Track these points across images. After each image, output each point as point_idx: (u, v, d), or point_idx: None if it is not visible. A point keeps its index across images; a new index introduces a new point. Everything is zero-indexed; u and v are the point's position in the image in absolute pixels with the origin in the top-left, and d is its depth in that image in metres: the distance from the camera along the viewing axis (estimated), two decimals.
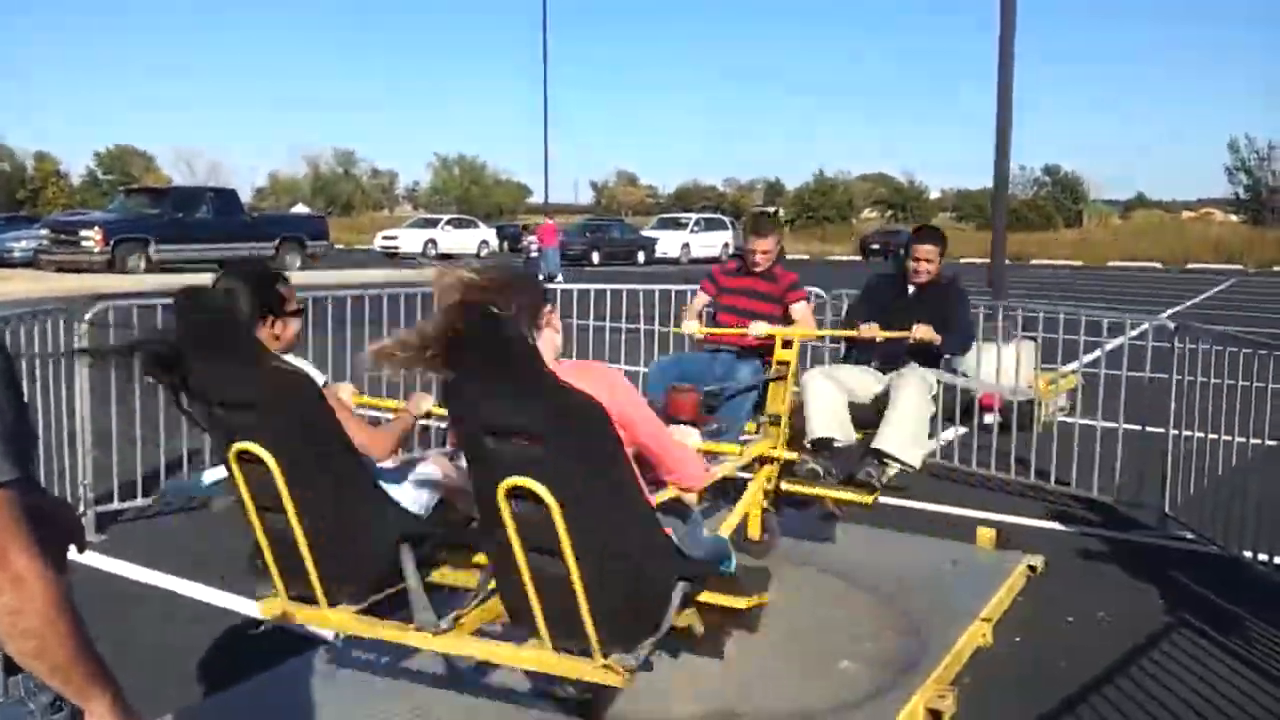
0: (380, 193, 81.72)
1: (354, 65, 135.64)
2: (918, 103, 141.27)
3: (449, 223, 41.17)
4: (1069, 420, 7.37)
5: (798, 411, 4.64)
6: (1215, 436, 5.44)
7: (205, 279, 3.67)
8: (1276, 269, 36.89)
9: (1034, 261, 41.04)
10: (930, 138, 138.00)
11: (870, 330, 4.95)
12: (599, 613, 2.37)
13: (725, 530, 3.76)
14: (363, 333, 6.81)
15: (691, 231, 39.77)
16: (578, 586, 2.33)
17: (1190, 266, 38.81)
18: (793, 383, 4.61)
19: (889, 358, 4.99)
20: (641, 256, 36.31)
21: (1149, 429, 5.93)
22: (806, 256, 45.33)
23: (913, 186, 73.56)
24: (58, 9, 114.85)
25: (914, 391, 4.61)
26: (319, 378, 2.93)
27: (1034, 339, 7.19)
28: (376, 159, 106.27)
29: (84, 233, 23.58)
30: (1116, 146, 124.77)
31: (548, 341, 2.61)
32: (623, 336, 8.43)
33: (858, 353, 5.21)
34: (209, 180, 56.41)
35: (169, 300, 6.17)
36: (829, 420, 4.63)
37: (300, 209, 48.35)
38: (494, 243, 40.49)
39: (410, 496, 3.09)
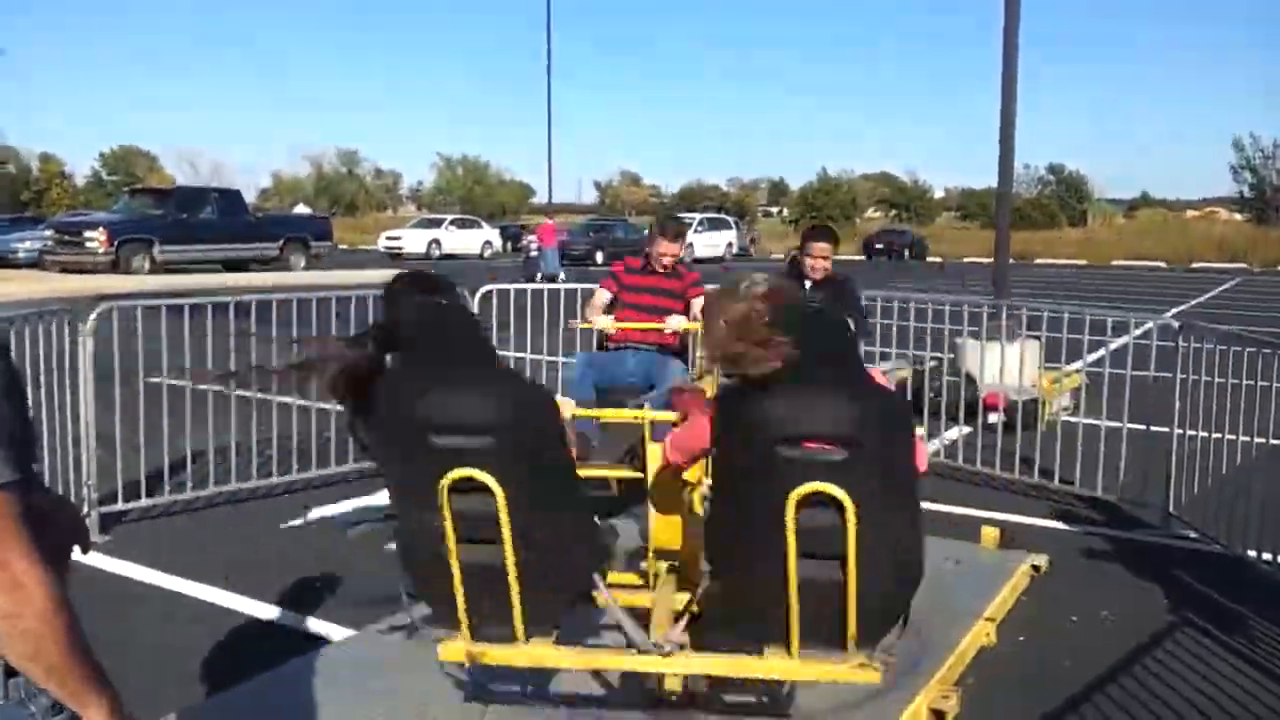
0: (384, 193, 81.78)
1: (358, 65, 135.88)
2: (921, 102, 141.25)
3: (452, 223, 41.21)
4: (1073, 419, 7.37)
5: None
6: (1219, 436, 5.43)
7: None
8: None
9: (1038, 260, 41.00)
10: (934, 137, 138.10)
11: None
12: (861, 612, 2.40)
13: None
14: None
15: (695, 231, 39.72)
16: (852, 589, 2.35)
17: (1195, 265, 38.74)
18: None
19: None
20: None
21: (1153, 428, 5.92)
22: None
23: (916, 185, 73.47)
24: (61, 9, 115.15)
25: None
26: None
27: (1038, 338, 7.19)
28: (380, 159, 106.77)
29: (88, 233, 23.63)
30: (1121, 145, 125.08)
31: None
32: None
33: None
34: (213, 181, 56.41)
35: (173, 301, 6.19)
36: None
37: (302, 209, 48.39)
38: (497, 243, 40.52)
39: None
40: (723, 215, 46.81)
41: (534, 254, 28.04)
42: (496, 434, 2.41)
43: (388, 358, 2.47)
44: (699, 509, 3.22)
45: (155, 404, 5.99)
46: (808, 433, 2.37)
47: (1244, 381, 5.32)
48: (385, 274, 24.62)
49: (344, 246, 39.93)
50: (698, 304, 5.33)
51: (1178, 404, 5.66)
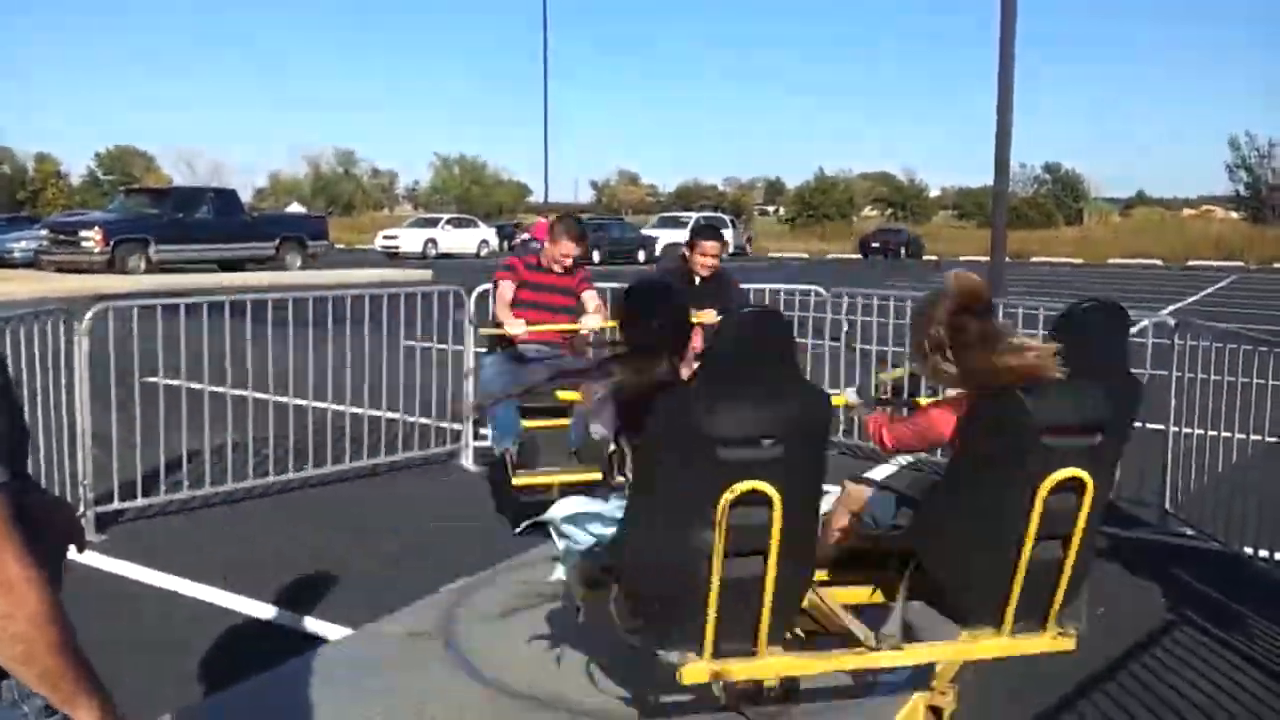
0: (380, 192, 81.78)
1: (354, 65, 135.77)
2: (918, 101, 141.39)
3: (449, 222, 41.19)
4: None
5: None
6: (1216, 433, 5.44)
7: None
8: (1277, 266, 36.88)
9: (1034, 259, 41.05)
10: (931, 136, 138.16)
11: (707, 315, 5.47)
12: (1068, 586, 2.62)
13: None
14: (363, 332, 6.82)
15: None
16: (1069, 566, 2.55)
17: (1191, 263, 38.80)
18: None
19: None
20: (642, 255, 36.32)
21: (1149, 426, 5.91)
22: (806, 255, 45.35)
23: (913, 184, 73.56)
24: (58, 9, 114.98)
25: None
26: None
27: (1034, 336, 7.18)
28: (377, 159, 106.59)
29: (84, 233, 23.57)
30: (1117, 144, 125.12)
31: None
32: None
33: None
34: (209, 180, 56.43)
35: (169, 301, 6.18)
36: None
37: (296, 208, 48.33)
38: (494, 242, 40.51)
39: None
40: (719, 214, 46.79)
41: None
42: (790, 442, 2.40)
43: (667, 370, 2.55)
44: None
45: (151, 404, 5.98)
46: (1074, 422, 2.53)
47: (1240, 379, 5.33)
48: (382, 273, 24.43)
49: (340, 246, 39.92)
50: (591, 297, 5.60)
51: (1174, 401, 5.67)
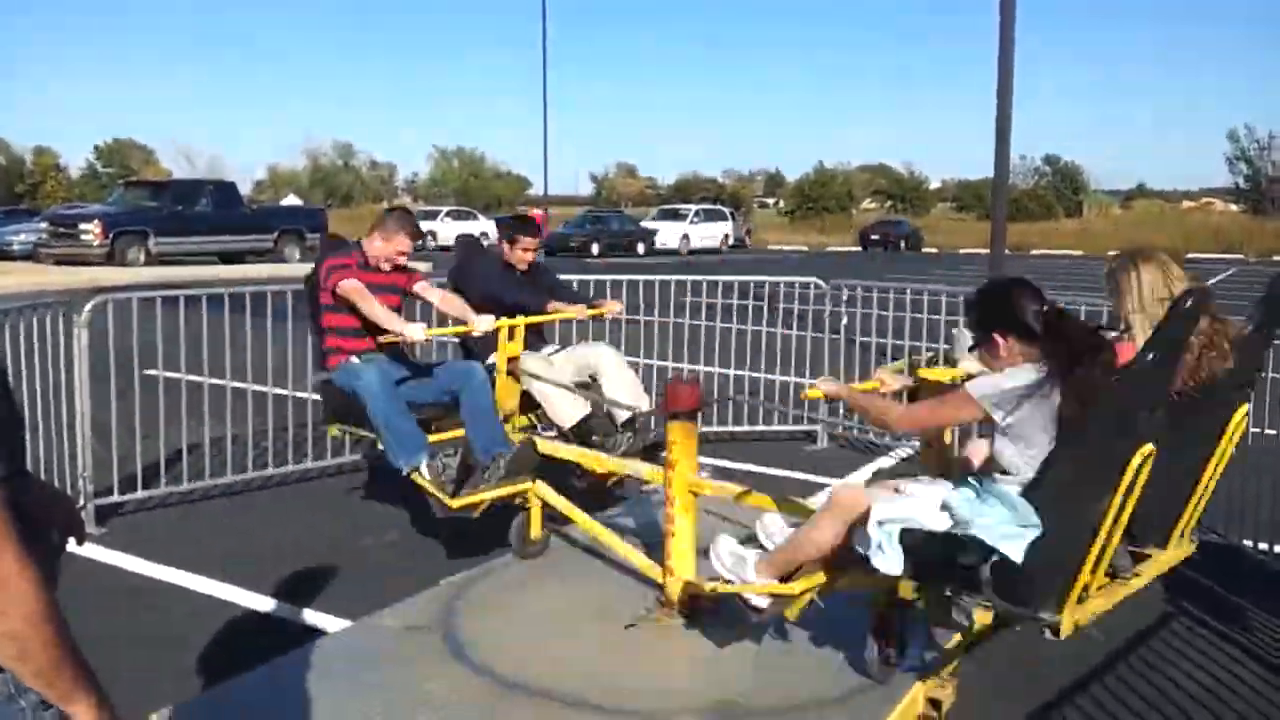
0: (379, 185, 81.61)
1: (354, 58, 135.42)
2: (918, 93, 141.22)
3: (448, 214, 41.13)
4: None
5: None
6: None
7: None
8: (1277, 258, 36.84)
9: (1034, 252, 41.01)
10: (930, 128, 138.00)
11: (611, 306, 5.67)
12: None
13: None
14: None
15: (691, 223, 39.72)
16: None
17: (1190, 256, 38.74)
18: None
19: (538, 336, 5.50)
20: (641, 248, 36.28)
21: None
22: (805, 248, 45.30)
23: (913, 177, 73.46)
24: (57, 3, 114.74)
25: (616, 352, 5.44)
26: None
27: None
28: (375, 151, 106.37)
29: (83, 225, 23.56)
30: (1117, 136, 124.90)
31: None
32: (623, 327, 8.41)
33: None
34: (208, 173, 56.31)
35: (169, 293, 6.17)
36: (579, 404, 5.03)
37: (293, 200, 48.23)
38: (493, 234, 40.43)
39: None
40: (719, 207, 46.74)
41: None
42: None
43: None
44: None
45: (151, 396, 5.98)
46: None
47: None
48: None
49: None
50: (428, 286, 5.10)
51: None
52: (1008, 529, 2.64)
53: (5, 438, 1.25)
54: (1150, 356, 2.65)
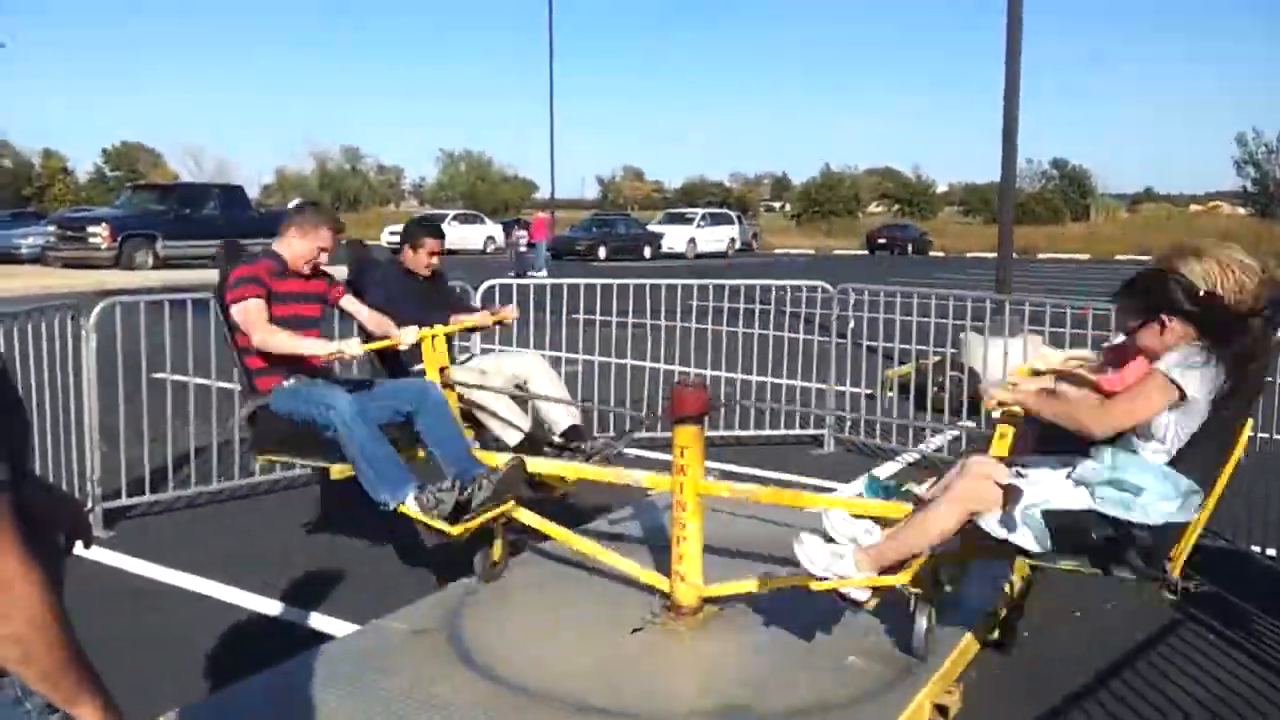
0: (387, 188, 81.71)
1: (360, 62, 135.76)
2: (925, 97, 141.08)
3: (455, 218, 41.19)
4: None
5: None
6: None
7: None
8: None
9: (1041, 255, 40.94)
10: (937, 132, 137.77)
11: (507, 312, 5.26)
12: None
13: None
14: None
15: (698, 226, 39.75)
16: None
17: None
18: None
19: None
20: (648, 251, 36.30)
21: None
22: (812, 251, 45.28)
23: (919, 181, 73.32)
24: (64, 5, 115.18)
25: (543, 359, 5.19)
26: None
27: (1041, 333, 7.18)
28: (383, 155, 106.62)
29: (91, 229, 23.63)
30: (1124, 140, 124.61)
31: None
32: (629, 331, 8.42)
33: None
34: (216, 177, 56.52)
35: (176, 296, 6.18)
36: (524, 418, 4.84)
37: (297, 203, 48.23)
38: (500, 238, 40.55)
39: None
40: (725, 210, 46.75)
41: (523, 249, 28.10)
42: None
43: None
44: None
45: (159, 399, 6.00)
46: None
47: None
48: None
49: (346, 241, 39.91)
50: (357, 305, 4.65)
51: None
52: (1167, 504, 2.96)
53: (8, 439, 1.25)
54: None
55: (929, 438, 7.26)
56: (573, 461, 4.43)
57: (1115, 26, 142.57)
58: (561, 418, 4.93)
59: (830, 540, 3.31)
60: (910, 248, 43.59)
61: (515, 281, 8.46)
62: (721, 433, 7.34)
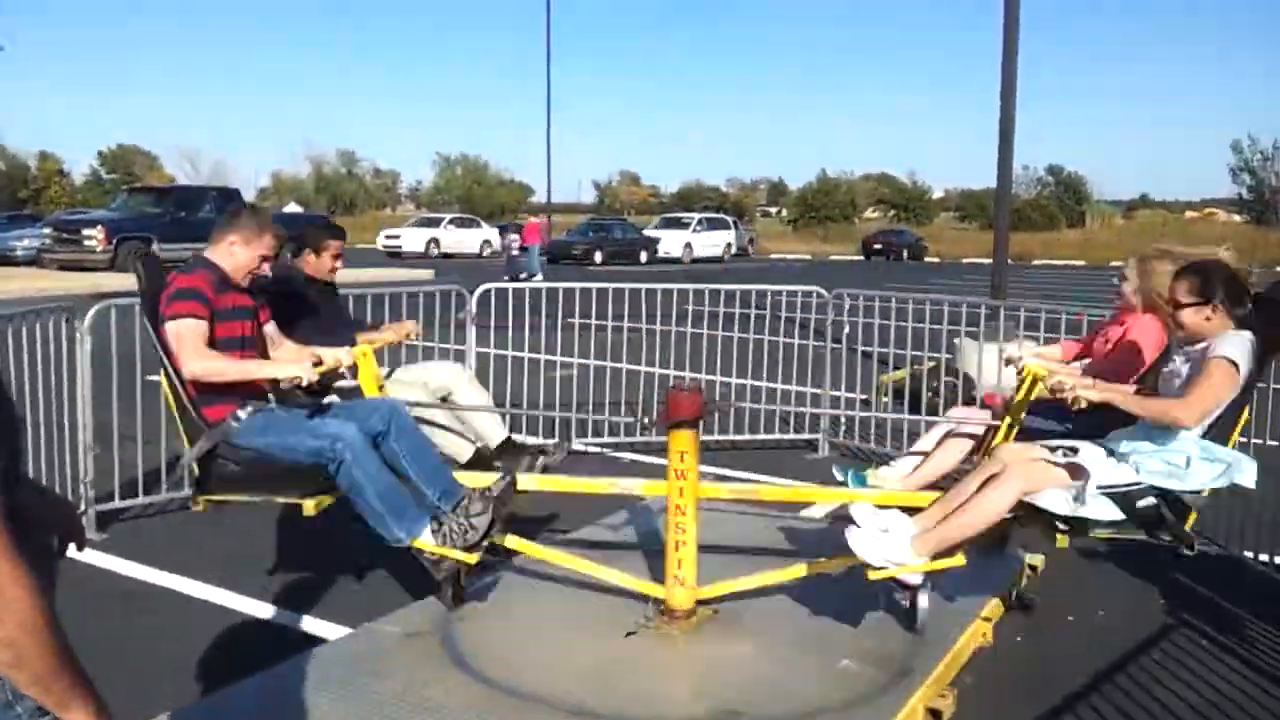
0: (383, 192, 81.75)
1: (357, 65, 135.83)
2: (922, 98, 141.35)
3: (451, 222, 41.26)
4: None
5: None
6: None
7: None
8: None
9: (1037, 261, 41.04)
10: (934, 137, 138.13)
11: (410, 326, 4.83)
12: None
13: None
14: (364, 331, 6.81)
15: (694, 231, 39.80)
16: None
17: None
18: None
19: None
20: (644, 256, 36.34)
21: None
22: (808, 257, 45.34)
23: (916, 186, 73.51)
24: (60, 8, 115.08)
25: (465, 369, 4.98)
26: None
27: (1035, 338, 7.18)
28: (379, 158, 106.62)
29: (87, 231, 23.60)
30: (1120, 146, 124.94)
31: None
32: (625, 335, 8.42)
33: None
34: (212, 179, 56.49)
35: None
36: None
37: (294, 208, 48.32)
38: (496, 242, 40.58)
39: None
40: (722, 215, 46.80)
41: (515, 253, 28.15)
42: None
43: None
44: None
45: (153, 402, 5.97)
46: None
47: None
48: (384, 273, 24.40)
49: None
50: (278, 335, 4.14)
51: None
52: (1210, 472, 3.37)
53: (1, 441, 1.25)
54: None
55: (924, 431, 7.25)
56: (568, 478, 4.28)
57: (1111, 33, 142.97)
58: (494, 430, 4.69)
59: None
60: (906, 253, 43.66)
61: (511, 285, 8.45)
62: (716, 437, 7.35)
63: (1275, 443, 5.32)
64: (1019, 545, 4.97)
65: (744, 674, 3.43)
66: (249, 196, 39.59)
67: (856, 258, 43.79)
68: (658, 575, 3.86)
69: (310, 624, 4.26)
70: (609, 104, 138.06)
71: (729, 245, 40.75)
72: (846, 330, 7.74)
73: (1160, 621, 4.39)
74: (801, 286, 8.57)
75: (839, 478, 4.27)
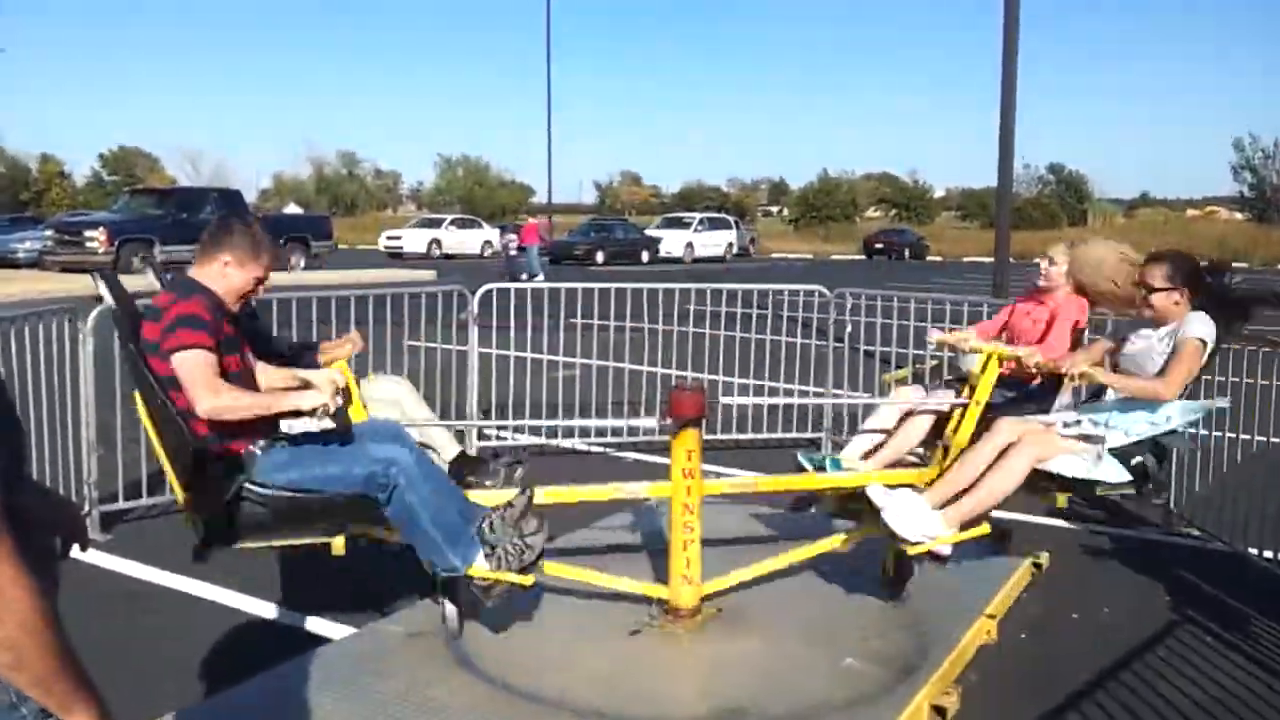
0: (384, 193, 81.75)
1: (358, 67, 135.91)
2: (922, 102, 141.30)
3: (452, 223, 41.25)
4: None
5: None
6: (1220, 434, 5.43)
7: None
8: None
9: (1038, 260, 40.97)
10: (934, 137, 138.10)
11: (354, 346, 4.31)
12: None
13: None
14: (367, 332, 6.82)
15: (695, 231, 39.78)
16: None
17: None
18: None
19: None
20: (646, 256, 36.33)
21: None
22: (809, 256, 45.32)
23: (917, 185, 73.45)
24: (62, 10, 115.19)
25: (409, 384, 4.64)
26: None
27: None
28: (380, 159, 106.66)
29: (89, 233, 23.61)
30: (1121, 144, 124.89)
31: None
32: (627, 335, 8.42)
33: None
34: (214, 181, 56.49)
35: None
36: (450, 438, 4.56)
37: (294, 209, 48.35)
38: (498, 243, 40.60)
39: None
40: (723, 215, 46.78)
41: (513, 253, 28.17)
42: None
43: None
44: None
45: None
46: None
47: (1244, 380, 5.32)
48: (386, 274, 24.48)
49: (344, 246, 39.91)
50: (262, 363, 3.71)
51: None
52: (1190, 415, 3.83)
53: (3, 443, 1.25)
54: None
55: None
56: (582, 487, 4.05)
57: (1111, 31, 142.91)
58: (448, 445, 4.47)
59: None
60: (907, 252, 43.63)
61: (512, 286, 8.45)
62: (719, 435, 7.34)
63: (1278, 440, 5.32)
64: (1019, 547, 4.97)
65: (749, 672, 3.43)
66: (250, 198, 39.66)
67: (858, 257, 43.76)
68: (659, 575, 3.86)
69: (314, 624, 4.26)
70: (609, 104, 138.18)
71: (730, 245, 40.73)
72: (849, 329, 7.73)
73: (1165, 618, 4.39)
74: (803, 286, 8.57)
75: (806, 466, 4.25)
